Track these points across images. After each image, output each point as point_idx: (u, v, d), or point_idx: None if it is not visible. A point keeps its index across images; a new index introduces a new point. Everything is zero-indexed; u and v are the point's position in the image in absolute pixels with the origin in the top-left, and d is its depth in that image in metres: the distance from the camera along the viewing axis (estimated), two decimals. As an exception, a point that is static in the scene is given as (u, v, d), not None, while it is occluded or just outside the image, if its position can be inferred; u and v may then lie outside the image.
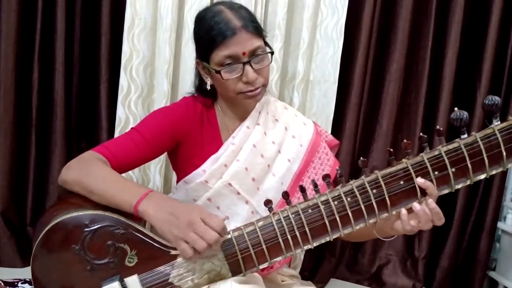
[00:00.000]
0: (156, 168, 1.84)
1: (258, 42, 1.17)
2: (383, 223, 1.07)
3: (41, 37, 1.85)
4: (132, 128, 1.24)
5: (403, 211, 1.00)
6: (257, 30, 1.18)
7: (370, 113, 2.02)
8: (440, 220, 1.01)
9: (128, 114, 1.82)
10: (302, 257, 1.59)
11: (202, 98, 1.31)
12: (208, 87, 1.25)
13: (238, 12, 1.18)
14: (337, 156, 1.87)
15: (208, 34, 1.15)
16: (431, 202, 0.98)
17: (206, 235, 0.96)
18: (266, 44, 1.21)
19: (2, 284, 1.65)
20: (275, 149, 1.30)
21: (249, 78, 1.16)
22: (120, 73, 1.80)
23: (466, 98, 1.96)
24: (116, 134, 1.81)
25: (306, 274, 1.94)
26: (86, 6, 1.91)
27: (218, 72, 1.16)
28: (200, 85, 1.32)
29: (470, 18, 1.91)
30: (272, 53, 1.22)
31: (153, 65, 1.84)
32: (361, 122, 2.00)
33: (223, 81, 1.17)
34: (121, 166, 1.17)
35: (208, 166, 1.25)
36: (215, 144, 1.28)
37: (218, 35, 1.13)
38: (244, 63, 1.15)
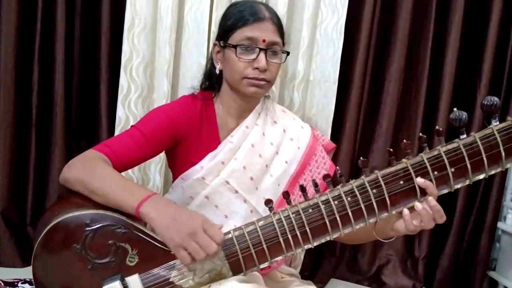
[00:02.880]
0: (156, 168, 1.83)
1: (278, 38, 1.24)
2: (383, 224, 1.07)
3: (41, 37, 1.85)
4: (132, 126, 1.25)
5: (406, 211, 1.01)
6: (280, 29, 1.26)
7: (370, 113, 2.02)
8: (442, 218, 1.02)
9: (128, 114, 1.82)
10: (302, 257, 1.59)
11: (203, 94, 1.33)
12: (217, 71, 1.29)
13: (269, 8, 1.27)
14: (337, 156, 1.89)
15: (236, 14, 1.23)
16: (431, 199, 0.99)
17: (207, 246, 0.98)
18: (284, 48, 1.28)
19: (2, 284, 1.65)
20: (273, 150, 1.31)
21: (260, 65, 1.20)
22: (120, 73, 1.79)
23: (466, 98, 1.96)
24: (116, 134, 1.80)
25: (306, 274, 1.94)
26: (86, 6, 1.91)
27: (235, 47, 1.20)
28: (209, 72, 1.36)
29: (470, 18, 1.91)
30: (288, 53, 1.28)
31: (153, 65, 1.84)
32: (361, 122, 2.00)
33: (234, 60, 1.21)
34: (122, 165, 1.17)
35: (206, 163, 1.26)
36: (213, 142, 1.29)
37: (245, 16, 1.21)
38: (260, 50, 1.20)
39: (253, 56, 1.21)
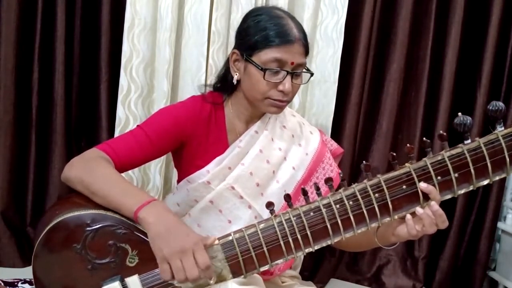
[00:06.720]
0: (156, 168, 1.83)
1: (304, 59, 1.21)
2: (384, 230, 1.07)
3: (41, 37, 1.85)
4: (137, 126, 1.23)
5: (408, 216, 1.00)
6: (307, 49, 1.22)
7: (370, 113, 2.02)
8: (444, 223, 1.01)
9: (128, 114, 1.81)
10: (302, 257, 1.59)
11: (213, 96, 1.31)
12: (235, 82, 1.25)
13: (298, 24, 1.21)
14: (337, 156, 1.88)
15: (266, 31, 1.17)
16: (434, 204, 0.98)
17: (190, 271, 0.96)
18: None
19: (2, 284, 1.65)
20: (281, 155, 1.30)
21: (286, 88, 1.17)
22: (120, 73, 1.79)
23: (466, 98, 1.96)
24: (116, 134, 1.80)
25: (306, 274, 1.95)
26: (86, 6, 1.91)
27: (264, 70, 1.16)
28: (224, 76, 1.32)
29: (470, 18, 1.92)
30: (312, 74, 1.25)
31: (153, 65, 1.84)
32: (361, 122, 2.00)
33: (259, 81, 1.18)
34: (123, 165, 1.17)
35: (212, 167, 1.25)
36: (221, 146, 1.28)
37: (277, 36, 1.15)
38: (288, 73, 1.17)
39: (279, 78, 1.17)
